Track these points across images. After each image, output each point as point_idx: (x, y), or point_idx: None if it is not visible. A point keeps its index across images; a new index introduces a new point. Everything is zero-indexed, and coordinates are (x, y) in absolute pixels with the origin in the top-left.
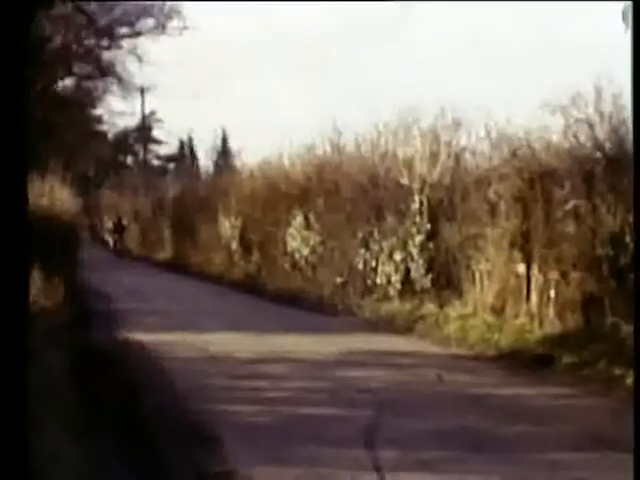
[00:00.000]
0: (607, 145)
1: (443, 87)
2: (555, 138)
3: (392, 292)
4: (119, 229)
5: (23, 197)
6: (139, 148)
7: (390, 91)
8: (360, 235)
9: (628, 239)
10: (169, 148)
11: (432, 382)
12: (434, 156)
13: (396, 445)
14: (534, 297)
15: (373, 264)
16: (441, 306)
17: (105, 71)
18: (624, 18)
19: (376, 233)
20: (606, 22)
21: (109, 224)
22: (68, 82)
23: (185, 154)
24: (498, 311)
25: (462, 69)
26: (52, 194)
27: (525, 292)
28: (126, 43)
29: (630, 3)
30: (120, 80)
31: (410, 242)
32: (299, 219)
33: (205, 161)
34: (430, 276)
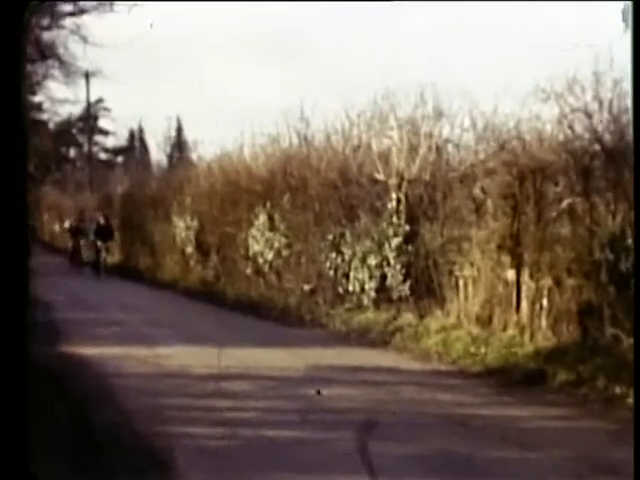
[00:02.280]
0: (606, 136)
1: (423, 72)
2: (548, 129)
3: (366, 301)
4: (104, 232)
5: (23, 197)
6: (83, 140)
7: (364, 76)
8: (330, 237)
9: (629, 242)
10: (117, 140)
11: (412, 401)
12: (413, 149)
13: (373, 472)
14: (525, 306)
15: (345, 270)
16: (421, 317)
17: (45, 53)
18: (624, 18)
19: (348, 235)
20: (606, 1)
21: (66, 224)
22: None
23: (135, 146)
24: (484, 322)
25: (444, 52)
26: None
27: (515, 301)
28: (69, 22)
29: (630, 3)
30: (62, 63)
31: (386, 245)
32: (262, 219)
33: (157, 154)
34: (408, 283)
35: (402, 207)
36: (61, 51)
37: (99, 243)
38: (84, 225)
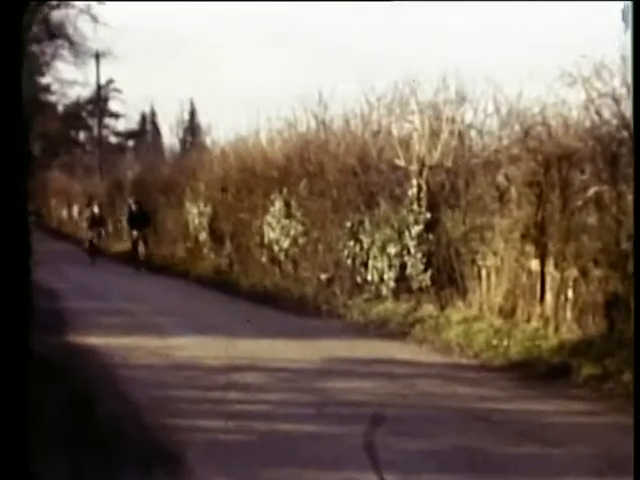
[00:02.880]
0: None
1: (445, 56)
2: (575, 115)
3: (385, 291)
4: (96, 221)
5: (23, 196)
6: (93, 123)
7: (385, 60)
8: (348, 225)
9: None
10: (128, 123)
11: (430, 395)
12: (435, 134)
13: (390, 468)
14: (549, 298)
15: (363, 258)
16: (442, 307)
17: (54, 33)
18: (624, 18)
19: (367, 222)
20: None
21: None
22: None
23: (147, 130)
24: (507, 313)
25: (467, 35)
26: None
27: (539, 292)
28: (79, 1)
29: (630, 3)
30: (72, 44)
31: (406, 233)
32: (278, 205)
33: (170, 138)
34: (429, 273)
35: (423, 194)
36: (70, 31)
37: (134, 232)
38: (102, 213)
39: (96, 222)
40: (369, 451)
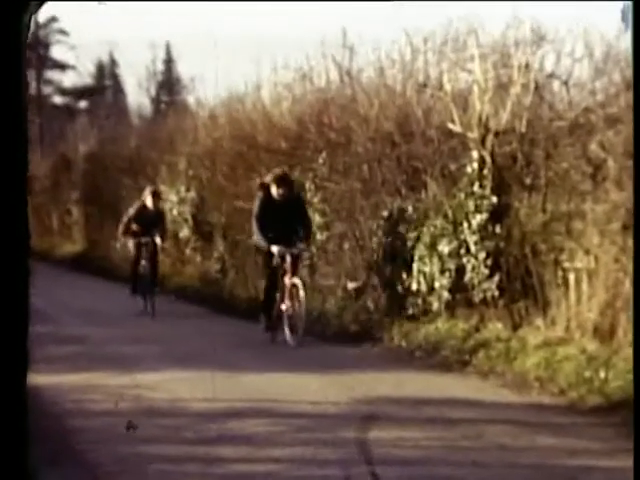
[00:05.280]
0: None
1: None
2: None
3: (436, 305)
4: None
5: (23, 196)
6: (30, 77)
7: None
8: (385, 214)
9: None
10: (79, 77)
11: (501, 448)
12: (502, 88)
13: None
14: None
15: (406, 260)
16: (514, 327)
17: None
18: (624, 18)
19: (411, 211)
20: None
21: None
22: None
23: (105, 86)
24: (605, 335)
25: None
26: None
27: None
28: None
29: (630, 3)
30: None
31: (465, 225)
32: None
33: (138, 97)
34: (496, 279)
35: (487, 171)
36: None
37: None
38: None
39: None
40: None
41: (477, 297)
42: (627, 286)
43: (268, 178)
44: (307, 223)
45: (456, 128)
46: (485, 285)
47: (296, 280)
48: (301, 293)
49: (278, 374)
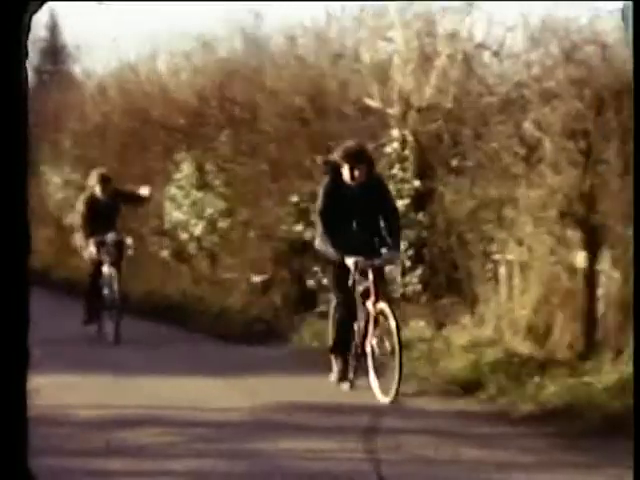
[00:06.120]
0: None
1: None
2: None
3: None
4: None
5: (23, 195)
6: None
7: None
8: (295, 199)
9: None
10: None
11: (422, 461)
12: (427, 59)
13: None
14: (604, 310)
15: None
16: (439, 325)
17: None
18: (624, 18)
19: None
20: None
21: None
22: None
23: None
24: (540, 335)
25: None
26: None
27: (587, 301)
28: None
29: (630, 3)
30: None
31: None
32: (187, 171)
33: None
34: (419, 272)
35: (409, 152)
36: None
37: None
38: None
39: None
40: None
41: (397, 292)
42: (564, 280)
43: (337, 154)
44: (394, 219)
45: (374, 104)
46: (406, 279)
47: (383, 306)
48: (392, 324)
49: (175, 378)
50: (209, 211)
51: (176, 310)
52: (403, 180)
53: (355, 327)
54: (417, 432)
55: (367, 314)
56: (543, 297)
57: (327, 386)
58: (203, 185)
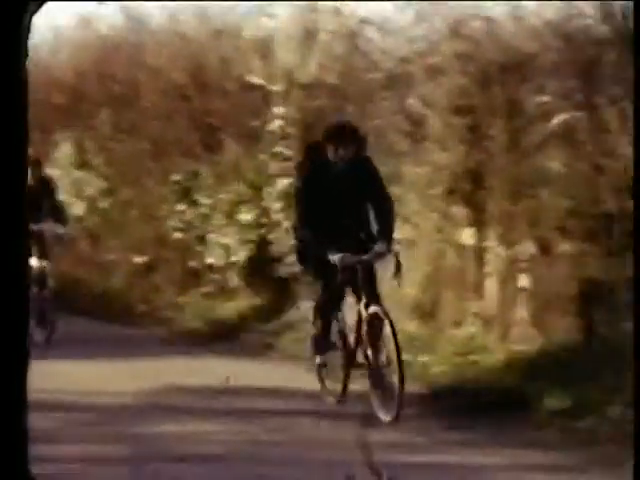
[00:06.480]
0: (623, 11)
1: None
2: (531, 4)
3: (236, 281)
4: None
5: (23, 195)
6: None
7: None
8: (177, 178)
9: None
10: None
11: (311, 443)
12: (310, 35)
13: None
14: (491, 287)
15: (201, 231)
16: None
17: None
18: (624, 18)
19: (206, 174)
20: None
21: None
22: None
23: None
24: (426, 313)
25: None
26: None
27: (475, 278)
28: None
29: (630, 3)
30: None
31: (267, 190)
32: (65, 150)
33: None
34: None
35: (293, 129)
36: None
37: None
38: None
39: None
40: None
41: (283, 272)
42: (451, 258)
43: (322, 135)
44: (386, 206)
45: (257, 80)
46: (292, 258)
47: (377, 308)
48: (387, 330)
49: (53, 362)
50: (89, 191)
51: (55, 292)
52: (287, 158)
53: (339, 316)
54: (304, 414)
55: (359, 319)
56: (430, 275)
57: (212, 366)
58: (82, 165)
